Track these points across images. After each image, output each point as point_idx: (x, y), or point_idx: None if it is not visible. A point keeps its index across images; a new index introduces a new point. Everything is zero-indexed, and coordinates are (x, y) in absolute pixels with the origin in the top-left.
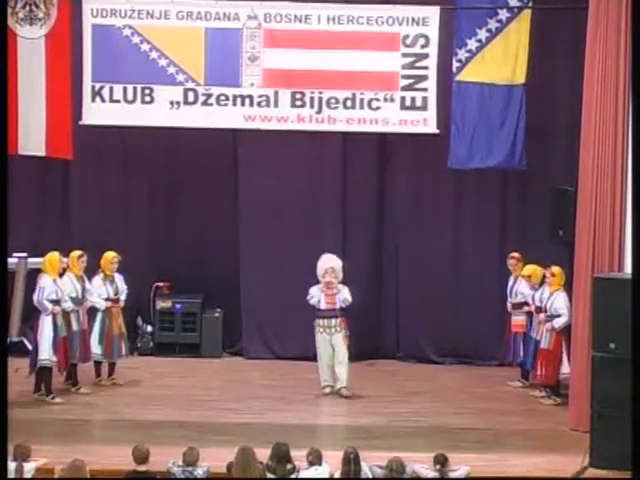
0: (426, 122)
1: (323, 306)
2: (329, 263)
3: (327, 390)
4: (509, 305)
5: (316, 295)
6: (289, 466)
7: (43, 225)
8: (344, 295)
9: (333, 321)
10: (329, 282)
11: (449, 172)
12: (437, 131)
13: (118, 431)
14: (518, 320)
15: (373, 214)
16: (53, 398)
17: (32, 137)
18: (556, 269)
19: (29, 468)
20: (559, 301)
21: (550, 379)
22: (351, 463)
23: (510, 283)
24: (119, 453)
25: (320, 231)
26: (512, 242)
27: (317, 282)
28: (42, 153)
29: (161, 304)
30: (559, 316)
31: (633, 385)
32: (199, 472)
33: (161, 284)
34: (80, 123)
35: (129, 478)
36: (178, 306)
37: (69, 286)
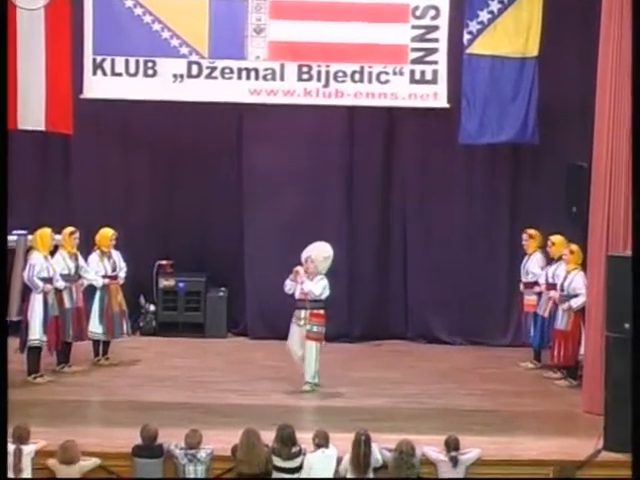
0: (436, 96)
1: (297, 295)
2: (310, 252)
3: (306, 387)
4: (521, 284)
5: (289, 284)
6: (295, 448)
7: (43, 202)
8: (309, 287)
9: (302, 312)
10: (296, 271)
11: (459, 148)
12: (447, 105)
13: (119, 413)
14: (530, 300)
15: (381, 191)
16: (42, 376)
17: (31, 111)
18: (575, 247)
19: (28, 451)
20: (577, 280)
21: (568, 360)
22: (362, 446)
23: (524, 261)
24: (122, 435)
25: (326, 208)
26: (524, 219)
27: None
28: (41, 128)
29: (164, 283)
30: (576, 296)
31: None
32: (202, 455)
33: (164, 262)
34: (81, 97)
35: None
36: (181, 285)
37: (61, 263)
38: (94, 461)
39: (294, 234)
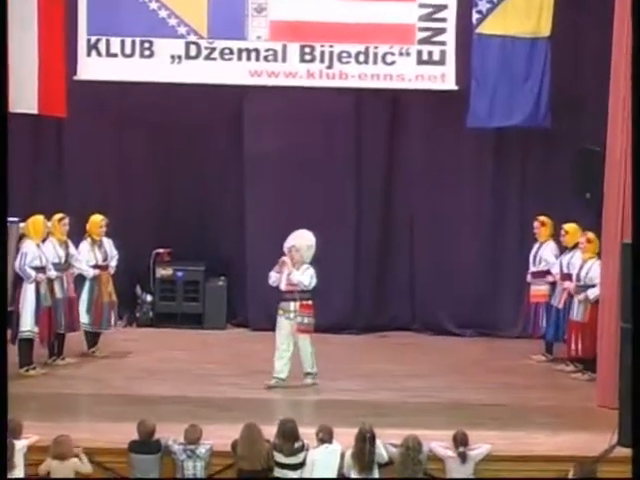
0: (444, 78)
1: (283, 287)
2: (292, 241)
3: (272, 382)
4: (529, 274)
5: (274, 276)
6: (297, 444)
7: (35, 188)
8: (297, 277)
9: (291, 305)
10: (282, 262)
11: (467, 132)
12: (456, 87)
13: (115, 407)
14: (540, 290)
15: (387, 177)
16: (34, 369)
17: (23, 93)
18: (591, 235)
19: (20, 446)
20: (595, 270)
21: (586, 353)
22: (366, 441)
23: (534, 249)
24: (117, 430)
25: (331, 194)
26: (534, 206)
27: (325, 249)
28: (34, 111)
29: (161, 272)
30: (593, 286)
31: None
32: (201, 450)
33: (161, 251)
34: (75, 79)
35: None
36: (179, 274)
37: (51, 252)
38: (89, 467)
39: (297, 221)
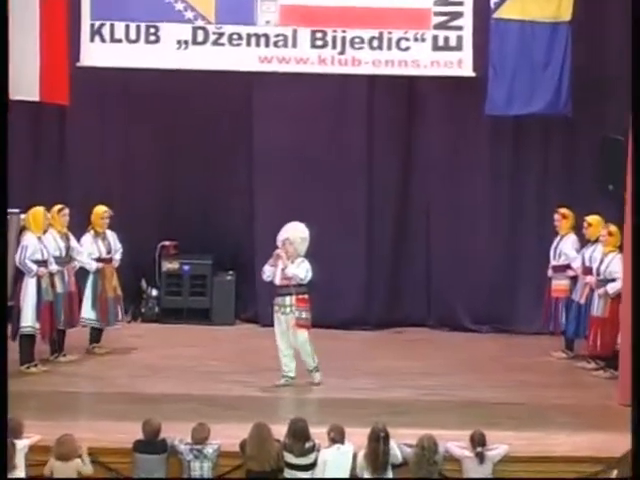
0: (461, 64)
1: (278, 282)
2: (285, 233)
3: (282, 381)
4: (550, 268)
5: (268, 270)
6: (308, 444)
7: (37, 178)
8: (292, 270)
9: (287, 299)
10: (277, 255)
11: (485, 120)
12: (473, 74)
13: (119, 405)
14: (560, 284)
15: (401, 167)
16: (35, 366)
17: (24, 80)
18: (613, 228)
19: (21, 446)
20: (615, 264)
21: (606, 349)
22: (380, 441)
23: (554, 243)
24: (122, 429)
25: (343, 185)
26: (555, 197)
27: (336, 243)
28: (35, 98)
29: (167, 265)
30: (614, 280)
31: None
32: (209, 451)
33: (167, 243)
34: (78, 65)
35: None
36: (186, 268)
37: (52, 244)
38: (90, 469)
39: (309, 213)
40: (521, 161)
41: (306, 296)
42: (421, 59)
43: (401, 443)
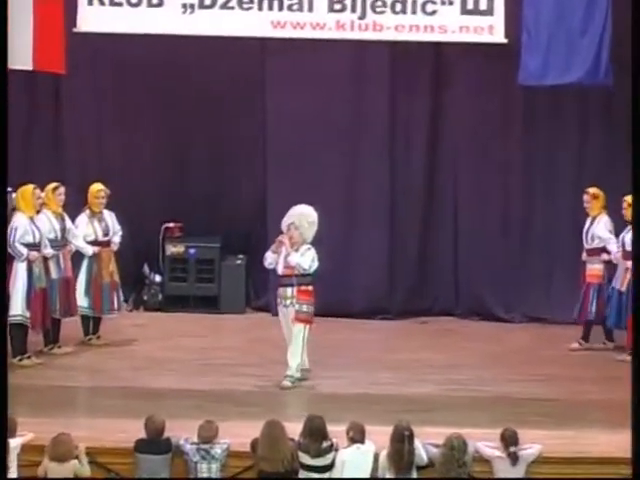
0: (492, 30)
1: (280, 271)
2: (291, 217)
3: (286, 383)
4: (584, 252)
5: (270, 257)
6: (325, 444)
7: (31, 154)
8: (295, 259)
9: (289, 290)
10: (279, 241)
11: (518, 91)
12: (505, 40)
13: (119, 401)
14: (594, 269)
15: (428, 143)
16: (29, 358)
17: (17, 47)
18: None
19: (14, 445)
20: None
21: None
22: (404, 441)
23: (586, 225)
24: (122, 427)
25: (362, 162)
26: (592, 175)
27: (357, 225)
28: (29, 67)
29: (172, 249)
30: None
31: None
32: (217, 450)
33: (171, 225)
34: (74, 30)
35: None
36: (192, 251)
37: (46, 226)
38: (87, 471)
39: (326, 192)
40: (557, 134)
41: (310, 288)
42: (448, 24)
43: (426, 443)
